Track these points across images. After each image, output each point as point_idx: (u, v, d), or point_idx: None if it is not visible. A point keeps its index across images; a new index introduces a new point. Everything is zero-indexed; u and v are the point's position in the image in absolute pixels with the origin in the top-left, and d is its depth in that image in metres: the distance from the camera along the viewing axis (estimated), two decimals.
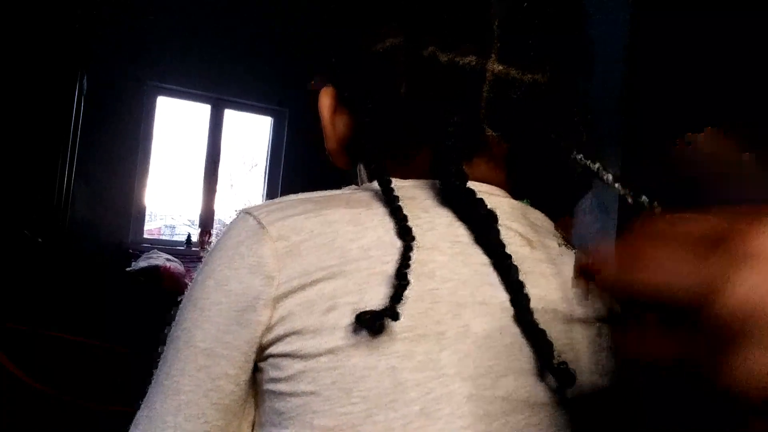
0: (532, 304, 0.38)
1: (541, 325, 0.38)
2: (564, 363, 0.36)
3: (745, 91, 1.66)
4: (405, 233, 0.37)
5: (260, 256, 0.37)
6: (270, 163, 3.89)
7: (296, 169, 3.75)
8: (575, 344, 0.39)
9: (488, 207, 0.39)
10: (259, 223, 0.38)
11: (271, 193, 3.83)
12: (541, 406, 0.37)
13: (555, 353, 0.36)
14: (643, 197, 0.34)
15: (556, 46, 0.44)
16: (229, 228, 0.40)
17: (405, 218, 0.38)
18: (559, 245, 0.45)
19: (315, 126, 0.51)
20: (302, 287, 0.36)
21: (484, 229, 0.40)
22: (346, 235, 0.37)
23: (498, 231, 0.39)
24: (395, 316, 0.33)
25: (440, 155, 0.41)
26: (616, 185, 0.36)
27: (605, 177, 0.38)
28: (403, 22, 0.43)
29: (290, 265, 0.36)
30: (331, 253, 0.37)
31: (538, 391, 0.37)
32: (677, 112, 1.83)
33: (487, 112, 0.43)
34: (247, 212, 0.40)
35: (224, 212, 3.82)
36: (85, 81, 2.80)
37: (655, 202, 0.34)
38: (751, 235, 0.21)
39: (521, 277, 0.38)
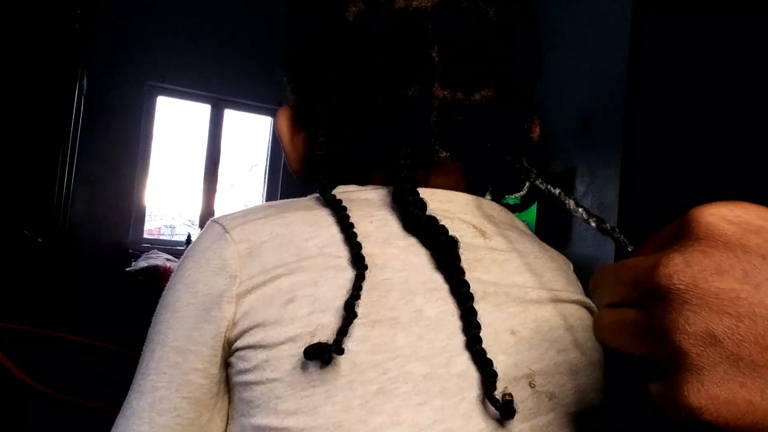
0: (485, 289, 0.40)
1: (493, 308, 0.40)
2: (510, 395, 0.36)
3: (745, 94, 1.66)
4: (357, 261, 0.38)
5: (224, 259, 0.40)
6: (270, 163, 3.89)
7: None
8: (529, 323, 0.41)
9: (446, 229, 0.40)
10: (224, 228, 0.41)
11: (271, 193, 3.83)
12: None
13: (499, 384, 0.37)
14: (608, 225, 0.37)
15: (502, 57, 0.45)
16: (199, 236, 0.43)
17: (351, 225, 0.40)
18: (518, 234, 0.48)
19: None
20: (263, 283, 0.38)
21: (428, 228, 0.41)
22: (303, 235, 0.40)
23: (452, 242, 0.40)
24: (340, 351, 0.34)
25: (396, 187, 0.42)
26: (579, 211, 0.39)
27: (568, 203, 0.40)
28: (343, 58, 0.45)
29: (251, 264, 0.39)
30: (289, 251, 0.39)
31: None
32: (677, 115, 1.83)
33: (438, 136, 0.44)
34: (214, 221, 0.43)
35: (224, 212, 3.82)
36: (85, 81, 2.80)
37: (626, 239, 0.36)
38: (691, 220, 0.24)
39: (471, 265, 0.40)
